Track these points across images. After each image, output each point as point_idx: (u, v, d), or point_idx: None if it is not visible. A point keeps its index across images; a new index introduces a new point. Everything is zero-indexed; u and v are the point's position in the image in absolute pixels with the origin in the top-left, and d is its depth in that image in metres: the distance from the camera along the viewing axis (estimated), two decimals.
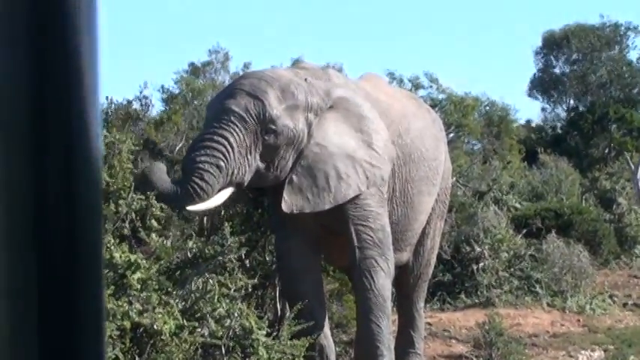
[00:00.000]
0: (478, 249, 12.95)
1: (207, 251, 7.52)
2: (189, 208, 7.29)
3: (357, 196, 7.97)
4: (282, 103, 7.65)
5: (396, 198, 8.52)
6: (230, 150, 7.37)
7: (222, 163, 7.33)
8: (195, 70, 19.66)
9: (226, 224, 8.01)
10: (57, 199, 1.22)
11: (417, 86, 19.06)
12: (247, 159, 7.48)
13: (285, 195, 7.70)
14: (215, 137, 7.40)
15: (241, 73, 18.10)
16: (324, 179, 7.82)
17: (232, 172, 7.39)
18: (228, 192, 7.46)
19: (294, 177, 7.75)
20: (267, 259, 9.10)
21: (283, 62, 18.67)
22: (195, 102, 15.90)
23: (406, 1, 51.91)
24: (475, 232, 13.21)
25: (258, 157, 7.56)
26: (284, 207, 7.70)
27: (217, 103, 7.77)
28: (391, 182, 8.39)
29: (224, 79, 18.51)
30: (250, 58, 25.89)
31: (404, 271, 9.10)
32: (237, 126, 7.44)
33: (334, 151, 7.90)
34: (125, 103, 12.95)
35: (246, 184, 7.58)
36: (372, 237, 8.01)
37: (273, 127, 7.57)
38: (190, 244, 7.57)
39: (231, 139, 7.39)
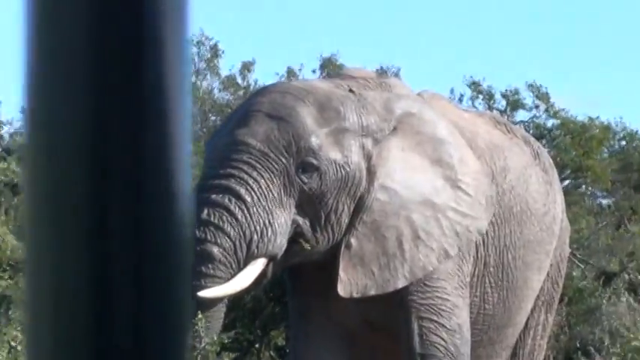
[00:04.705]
0: None
1: None
2: (201, 294, 7.29)
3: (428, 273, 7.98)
4: (323, 125, 7.67)
5: (489, 275, 8.56)
6: (243, 205, 7.37)
7: (229, 228, 7.32)
8: None
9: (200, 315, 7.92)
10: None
11: (513, 105, 18.87)
12: (277, 215, 7.44)
13: (341, 270, 7.72)
14: (218, 190, 7.40)
15: (239, 78, 18.15)
16: (396, 242, 7.84)
17: (251, 238, 7.38)
18: (257, 266, 7.45)
19: (352, 241, 7.78)
20: None
21: (305, 63, 18.40)
22: None
23: None
24: (597, 336, 13.38)
25: (294, 211, 7.57)
26: (341, 290, 7.71)
27: (223, 135, 7.82)
28: (482, 251, 8.45)
29: (210, 85, 18.47)
30: (253, 54, 24.10)
31: None
32: (254, 168, 7.45)
33: (407, 196, 7.90)
34: None
35: (281, 251, 7.56)
36: (444, 342, 8.00)
37: (314, 161, 7.60)
38: None
39: (242, 191, 7.38)
